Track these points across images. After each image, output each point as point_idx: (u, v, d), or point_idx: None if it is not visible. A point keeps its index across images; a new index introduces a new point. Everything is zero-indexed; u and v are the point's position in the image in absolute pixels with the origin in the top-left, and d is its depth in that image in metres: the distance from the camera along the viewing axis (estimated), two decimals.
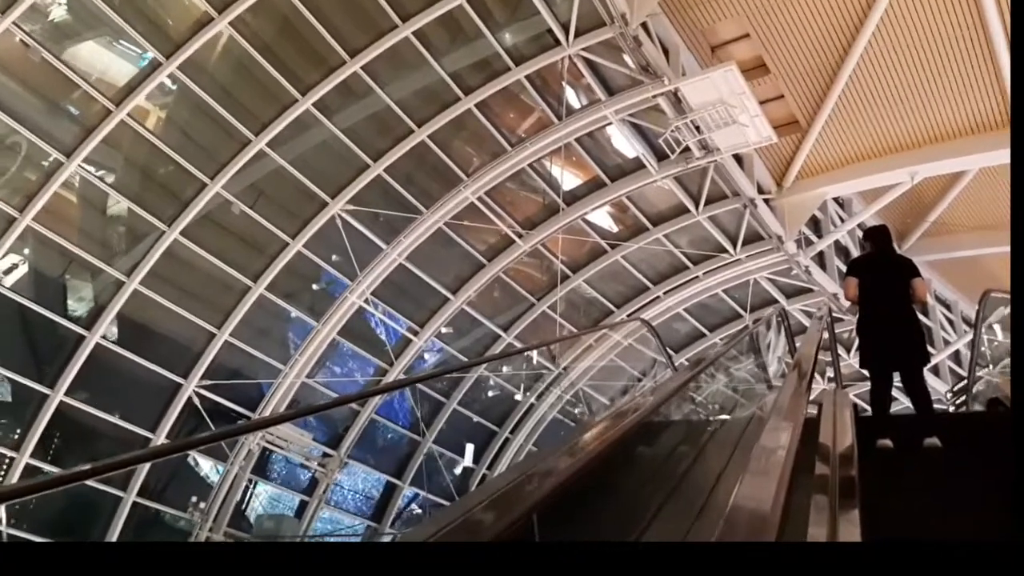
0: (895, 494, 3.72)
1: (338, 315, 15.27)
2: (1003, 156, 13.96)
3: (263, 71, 12.45)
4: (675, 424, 4.47)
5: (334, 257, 15.21)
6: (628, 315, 18.66)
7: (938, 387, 19.39)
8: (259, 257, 14.30)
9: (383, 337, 16.35)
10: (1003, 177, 15.54)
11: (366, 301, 15.44)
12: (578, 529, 2.55)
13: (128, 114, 11.83)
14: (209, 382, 13.82)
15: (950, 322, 20.79)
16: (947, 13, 12.25)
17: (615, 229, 17.82)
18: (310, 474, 16.03)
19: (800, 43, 13.27)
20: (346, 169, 14.24)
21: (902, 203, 16.32)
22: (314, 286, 16.02)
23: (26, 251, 12.64)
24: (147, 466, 12.50)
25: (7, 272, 12.91)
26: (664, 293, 18.76)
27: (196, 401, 13.66)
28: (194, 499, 14.00)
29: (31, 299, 12.38)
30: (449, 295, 16.71)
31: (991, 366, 7.42)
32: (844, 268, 16.16)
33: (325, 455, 15.74)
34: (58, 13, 11.99)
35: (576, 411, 19.95)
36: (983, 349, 7.38)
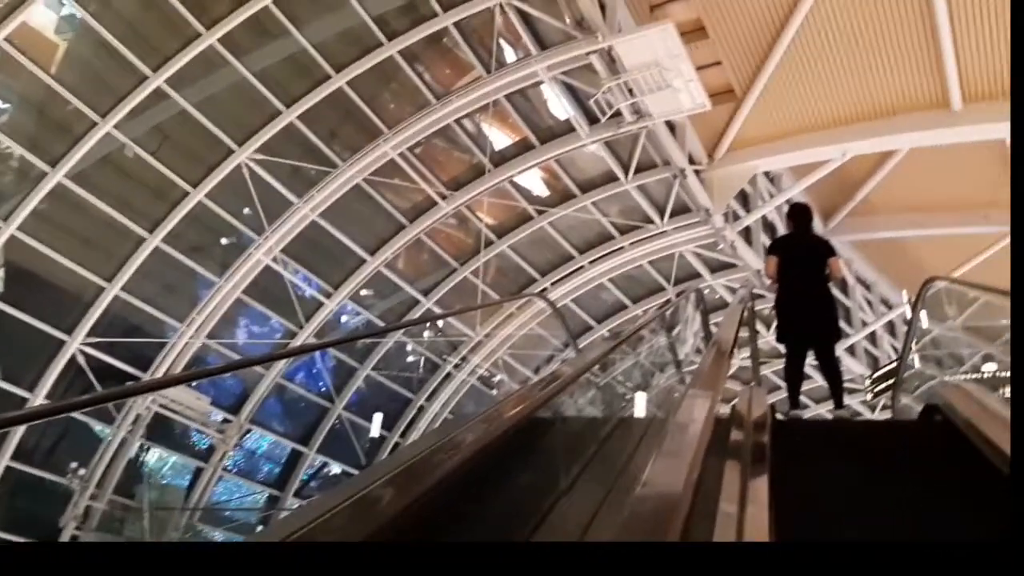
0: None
1: (242, 272, 14.29)
2: (934, 136, 13.84)
3: (168, 4, 11.33)
4: (575, 417, 4.13)
5: (245, 210, 14.22)
6: (552, 284, 18.23)
7: (854, 368, 19.58)
8: (162, 206, 13.24)
9: (297, 297, 15.43)
10: (932, 159, 15.46)
11: (274, 259, 14.50)
12: (484, 506, 2.53)
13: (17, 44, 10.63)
14: (96, 339, 12.75)
15: (869, 303, 20.98)
16: None
17: (546, 194, 17.23)
18: (209, 440, 15.12)
19: (741, 7, 12.81)
20: (257, 115, 13.21)
21: (831, 181, 16.14)
22: (223, 240, 14.99)
23: None
24: (21, 429, 11.47)
25: None
26: (590, 263, 18.33)
27: (81, 359, 12.59)
28: (74, 465, 13.00)
29: None
30: (367, 256, 15.88)
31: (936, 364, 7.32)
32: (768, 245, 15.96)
33: (225, 420, 14.85)
34: None
35: (496, 379, 19.51)
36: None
